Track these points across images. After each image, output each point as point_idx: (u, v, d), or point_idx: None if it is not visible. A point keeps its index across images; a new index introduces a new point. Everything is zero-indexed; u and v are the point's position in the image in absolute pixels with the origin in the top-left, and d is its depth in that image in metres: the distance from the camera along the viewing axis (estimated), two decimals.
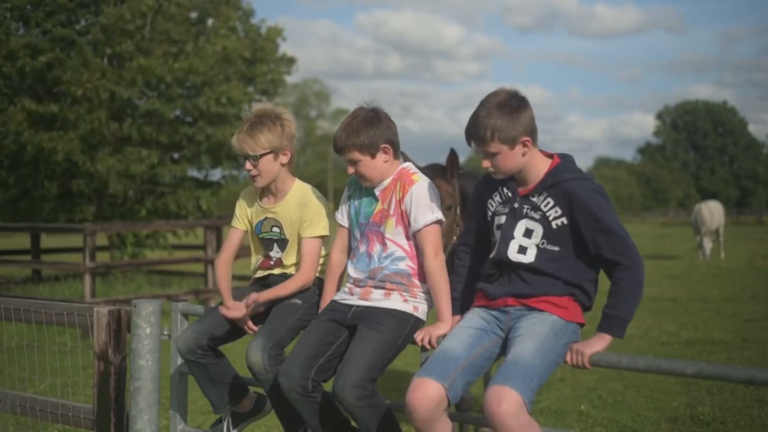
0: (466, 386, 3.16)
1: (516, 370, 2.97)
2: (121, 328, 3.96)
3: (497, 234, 3.32)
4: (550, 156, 3.31)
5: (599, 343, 3.08)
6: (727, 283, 15.39)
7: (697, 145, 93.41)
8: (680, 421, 6.12)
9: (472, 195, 3.53)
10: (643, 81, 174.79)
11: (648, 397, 6.87)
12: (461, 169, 4.94)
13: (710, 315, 11.51)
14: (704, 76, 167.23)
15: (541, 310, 3.18)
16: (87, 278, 11.31)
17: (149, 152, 15.39)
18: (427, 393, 3.04)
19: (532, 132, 3.19)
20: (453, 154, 4.83)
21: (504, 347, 3.23)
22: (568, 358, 3.11)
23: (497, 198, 3.37)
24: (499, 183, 3.36)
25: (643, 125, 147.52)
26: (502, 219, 3.31)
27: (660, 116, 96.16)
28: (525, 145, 3.18)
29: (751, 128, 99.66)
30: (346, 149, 3.50)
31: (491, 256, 3.34)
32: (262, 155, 3.73)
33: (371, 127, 3.49)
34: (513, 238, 3.26)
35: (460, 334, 3.26)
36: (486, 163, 3.22)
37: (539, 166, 3.25)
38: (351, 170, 3.55)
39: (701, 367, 2.86)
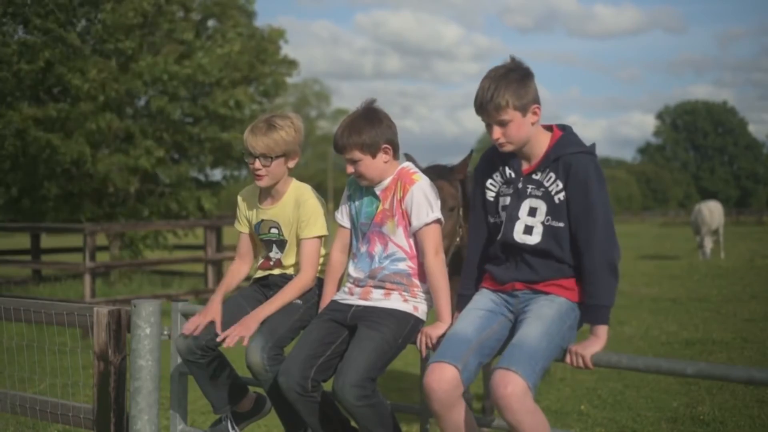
0: (478, 367, 3.17)
1: (521, 354, 2.98)
2: (121, 328, 3.96)
3: (502, 215, 3.32)
4: (549, 128, 3.31)
5: (597, 342, 3.08)
6: (727, 283, 15.39)
7: (697, 145, 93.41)
8: (680, 421, 6.12)
9: (474, 176, 3.51)
10: (642, 81, 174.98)
11: (648, 397, 6.87)
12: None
13: (710, 315, 11.50)
14: (703, 76, 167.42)
15: (548, 293, 3.20)
16: (87, 278, 11.31)
17: (157, 146, 15.36)
18: (444, 376, 3.06)
19: (540, 101, 3.22)
20: (471, 156, 4.81)
21: (513, 330, 3.23)
22: (568, 360, 3.11)
23: (498, 178, 3.36)
24: (500, 162, 3.34)
25: (642, 125, 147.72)
26: (507, 200, 3.31)
27: (660, 116, 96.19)
28: (535, 113, 3.20)
29: (751, 128, 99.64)
30: (347, 148, 3.50)
31: (498, 237, 3.33)
32: (276, 157, 3.73)
33: (373, 127, 3.49)
34: (518, 218, 3.26)
35: (469, 315, 3.28)
36: (497, 133, 3.19)
37: (541, 140, 3.26)
38: (350, 169, 3.55)
39: (701, 367, 2.86)
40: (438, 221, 3.51)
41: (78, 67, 14.51)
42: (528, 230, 3.24)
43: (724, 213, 22.87)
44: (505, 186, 3.33)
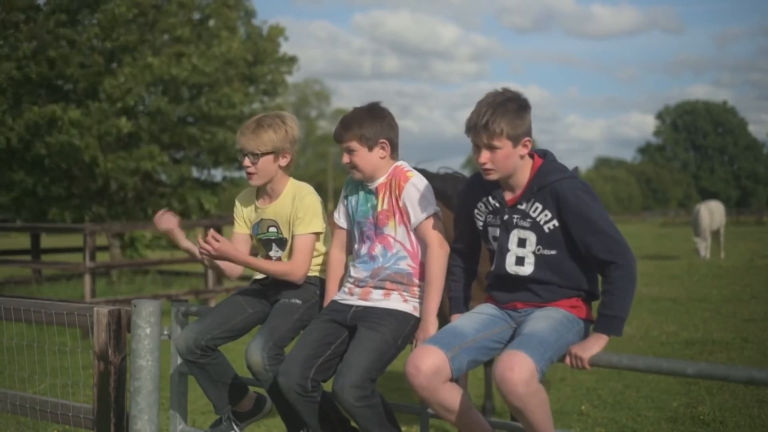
0: (471, 363, 3.16)
1: (531, 340, 2.97)
2: (121, 328, 3.96)
3: (494, 245, 3.32)
4: (531, 155, 3.29)
5: (596, 344, 3.06)
6: (727, 283, 15.38)
7: (697, 145, 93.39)
8: (680, 421, 6.12)
9: (458, 200, 3.50)
10: (640, 81, 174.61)
11: (648, 397, 6.87)
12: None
13: (710, 315, 11.50)
14: (702, 76, 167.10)
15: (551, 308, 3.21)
16: (87, 278, 11.31)
17: (159, 151, 15.37)
18: (426, 361, 3.04)
19: (531, 134, 3.20)
20: None
21: (514, 336, 3.22)
22: (567, 362, 3.10)
23: (483, 208, 3.34)
24: (483, 192, 3.32)
25: (641, 125, 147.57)
26: (496, 231, 3.30)
27: (660, 116, 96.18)
28: (525, 146, 3.18)
29: (751, 128, 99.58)
30: (347, 137, 3.53)
31: (491, 269, 3.34)
32: (263, 154, 3.76)
33: (375, 121, 3.53)
34: (509, 250, 3.25)
35: (470, 317, 3.28)
36: (485, 157, 3.15)
37: (523, 169, 3.24)
38: (346, 159, 3.58)
39: (701, 367, 2.86)
40: (435, 215, 3.51)
41: (75, 66, 14.52)
42: (520, 261, 3.23)
43: (725, 213, 22.85)
44: (491, 216, 3.32)
